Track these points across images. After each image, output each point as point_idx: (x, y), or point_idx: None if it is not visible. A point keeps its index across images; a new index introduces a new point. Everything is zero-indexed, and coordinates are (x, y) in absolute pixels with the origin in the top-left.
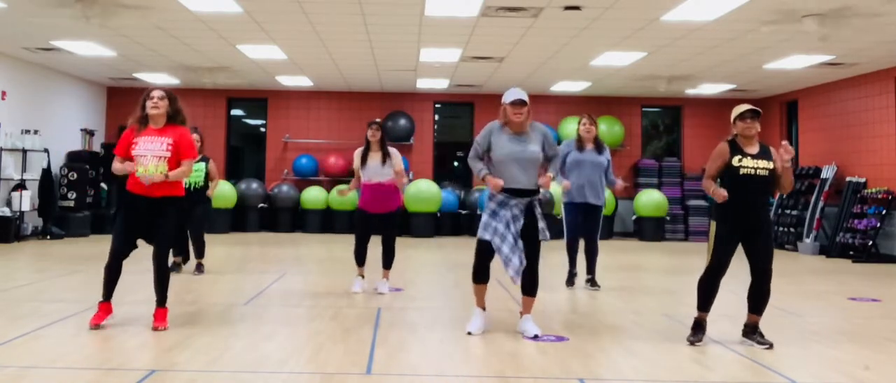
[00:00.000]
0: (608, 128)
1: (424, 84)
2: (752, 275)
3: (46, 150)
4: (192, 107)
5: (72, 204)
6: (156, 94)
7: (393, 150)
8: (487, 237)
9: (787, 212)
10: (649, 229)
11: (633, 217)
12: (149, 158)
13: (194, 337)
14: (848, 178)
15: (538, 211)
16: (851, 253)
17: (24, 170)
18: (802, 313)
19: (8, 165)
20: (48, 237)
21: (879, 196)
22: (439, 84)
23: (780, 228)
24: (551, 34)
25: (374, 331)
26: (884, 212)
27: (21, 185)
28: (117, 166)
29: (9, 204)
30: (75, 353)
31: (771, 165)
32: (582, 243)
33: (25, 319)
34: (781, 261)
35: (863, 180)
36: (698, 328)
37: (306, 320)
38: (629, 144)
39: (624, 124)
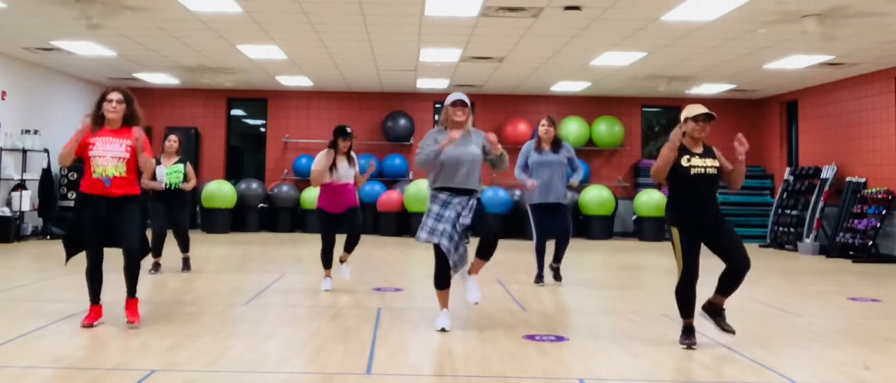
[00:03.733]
0: (608, 128)
1: (424, 84)
2: (727, 263)
3: (46, 150)
4: (192, 107)
5: (72, 204)
6: (114, 96)
7: (353, 154)
8: (436, 240)
9: (787, 212)
10: (649, 229)
11: (633, 217)
12: (108, 159)
13: (194, 337)
14: (848, 178)
15: (475, 203)
16: (851, 253)
17: (24, 170)
18: (802, 313)
19: (8, 165)
20: (48, 237)
21: (879, 196)
22: (439, 84)
23: (780, 228)
24: (551, 34)
25: (374, 331)
26: (884, 212)
27: (21, 185)
28: (72, 143)
29: (9, 204)
30: (75, 353)
31: (717, 163)
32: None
33: (25, 319)
34: (781, 261)
35: (863, 180)
36: (689, 332)
37: (306, 320)
38: (629, 144)
39: (624, 124)
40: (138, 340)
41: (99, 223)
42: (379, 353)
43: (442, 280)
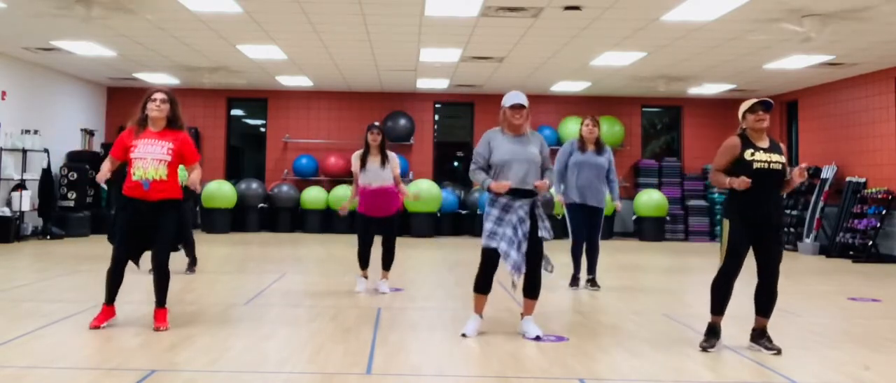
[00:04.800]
0: (608, 128)
1: (424, 84)
2: (759, 276)
3: (46, 150)
4: (192, 107)
5: (72, 204)
6: (158, 96)
7: (391, 154)
8: (494, 245)
9: (787, 212)
10: (649, 229)
11: (633, 217)
12: (148, 161)
13: (194, 337)
14: (848, 178)
15: (539, 211)
16: (851, 253)
17: (24, 170)
18: (802, 313)
19: (8, 165)
20: (48, 237)
21: (879, 196)
22: (439, 84)
23: None
24: (551, 34)
25: (374, 331)
26: (884, 212)
27: (21, 185)
28: (103, 170)
29: (9, 204)
30: (75, 353)
31: (783, 159)
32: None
33: (25, 319)
34: (782, 261)
35: (863, 180)
36: (712, 333)
37: (306, 320)
38: (629, 144)
39: (624, 124)
40: (138, 340)
41: (136, 226)
42: (379, 353)
43: (483, 283)
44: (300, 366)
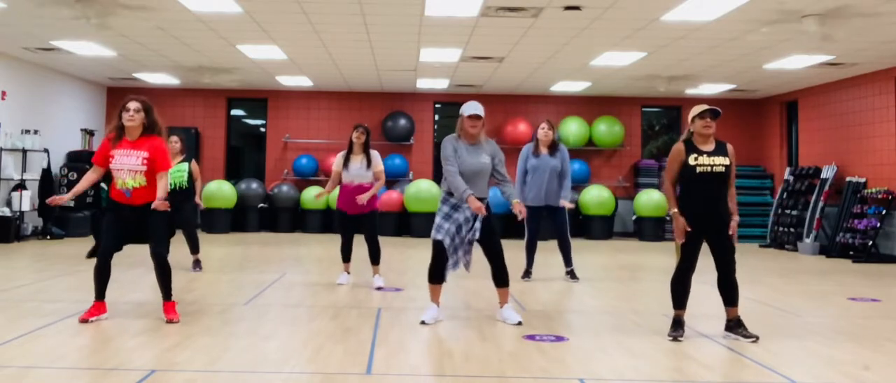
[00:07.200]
0: (608, 128)
1: (424, 84)
2: (717, 269)
3: (46, 150)
4: (192, 107)
5: (72, 204)
6: (132, 106)
7: (374, 153)
8: (440, 237)
9: (787, 212)
10: (649, 229)
11: (633, 217)
12: (125, 173)
13: (194, 337)
14: (848, 178)
15: (485, 217)
16: (851, 253)
17: (24, 170)
18: (802, 313)
19: (8, 165)
20: (48, 237)
21: (879, 196)
22: (439, 84)
23: (780, 228)
24: (551, 34)
25: (374, 331)
26: (884, 212)
27: (21, 185)
28: (80, 186)
29: (9, 204)
30: (75, 353)
31: (727, 161)
32: (556, 243)
33: (25, 319)
34: (781, 261)
35: (863, 180)
36: (678, 325)
37: (306, 320)
38: (629, 144)
39: (624, 124)
40: (138, 340)
41: (123, 225)
42: (379, 353)
43: (435, 275)
44: (300, 366)
